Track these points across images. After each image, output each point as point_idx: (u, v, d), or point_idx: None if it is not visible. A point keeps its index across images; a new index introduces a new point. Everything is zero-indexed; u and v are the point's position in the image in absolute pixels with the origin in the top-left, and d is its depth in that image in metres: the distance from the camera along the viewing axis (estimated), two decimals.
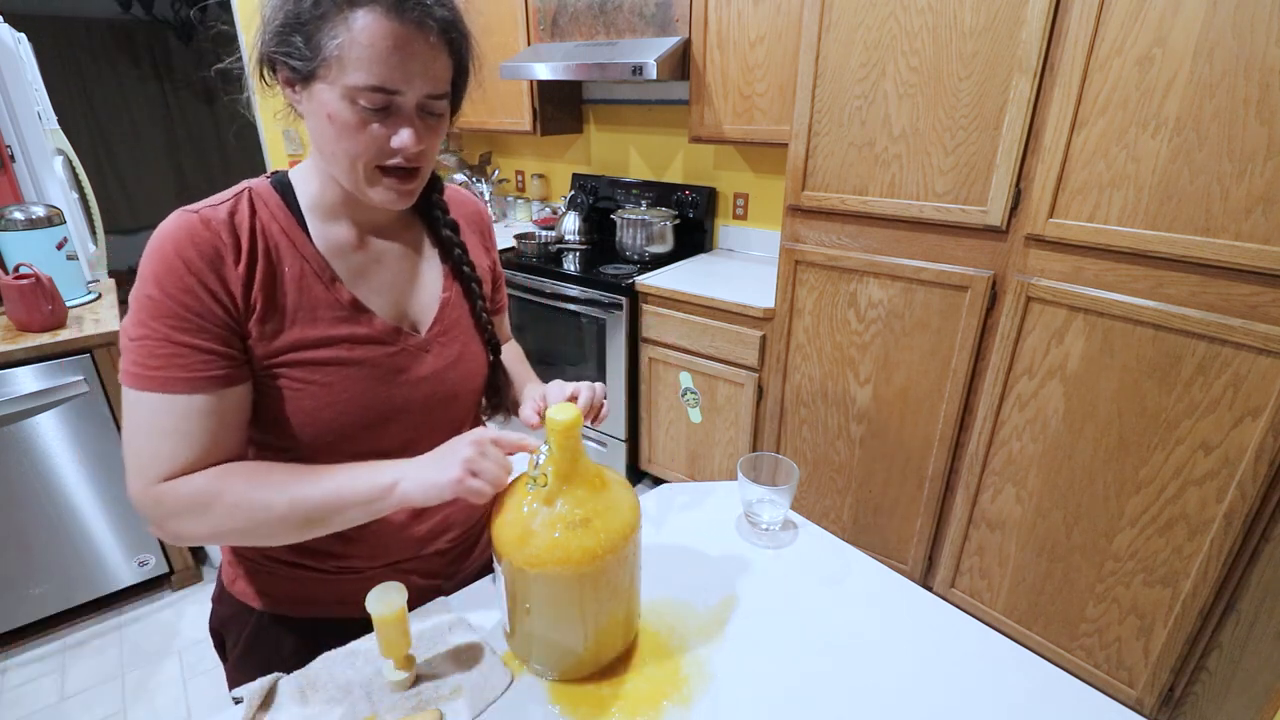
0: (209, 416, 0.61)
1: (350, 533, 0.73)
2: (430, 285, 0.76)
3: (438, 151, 0.67)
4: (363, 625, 0.73)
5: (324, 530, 0.64)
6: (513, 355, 0.95)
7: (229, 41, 0.66)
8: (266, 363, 0.64)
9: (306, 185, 0.68)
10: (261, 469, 0.64)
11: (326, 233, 0.69)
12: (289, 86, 0.62)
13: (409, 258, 0.75)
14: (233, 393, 0.63)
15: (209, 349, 0.60)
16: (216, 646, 0.85)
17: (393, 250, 0.74)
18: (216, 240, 0.61)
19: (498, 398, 0.85)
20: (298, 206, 0.68)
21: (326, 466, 0.64)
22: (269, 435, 0.68)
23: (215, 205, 0.63)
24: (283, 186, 0.68)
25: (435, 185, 0.78)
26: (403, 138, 0.60)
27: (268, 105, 0.68)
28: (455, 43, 0.62)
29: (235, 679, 0.80)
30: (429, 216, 0.78)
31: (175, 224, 0.60)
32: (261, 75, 0.63)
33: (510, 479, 0.63)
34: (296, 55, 0.58)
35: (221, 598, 0.82)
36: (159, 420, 0.60)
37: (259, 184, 0.67)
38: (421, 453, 0.73)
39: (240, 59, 0.65)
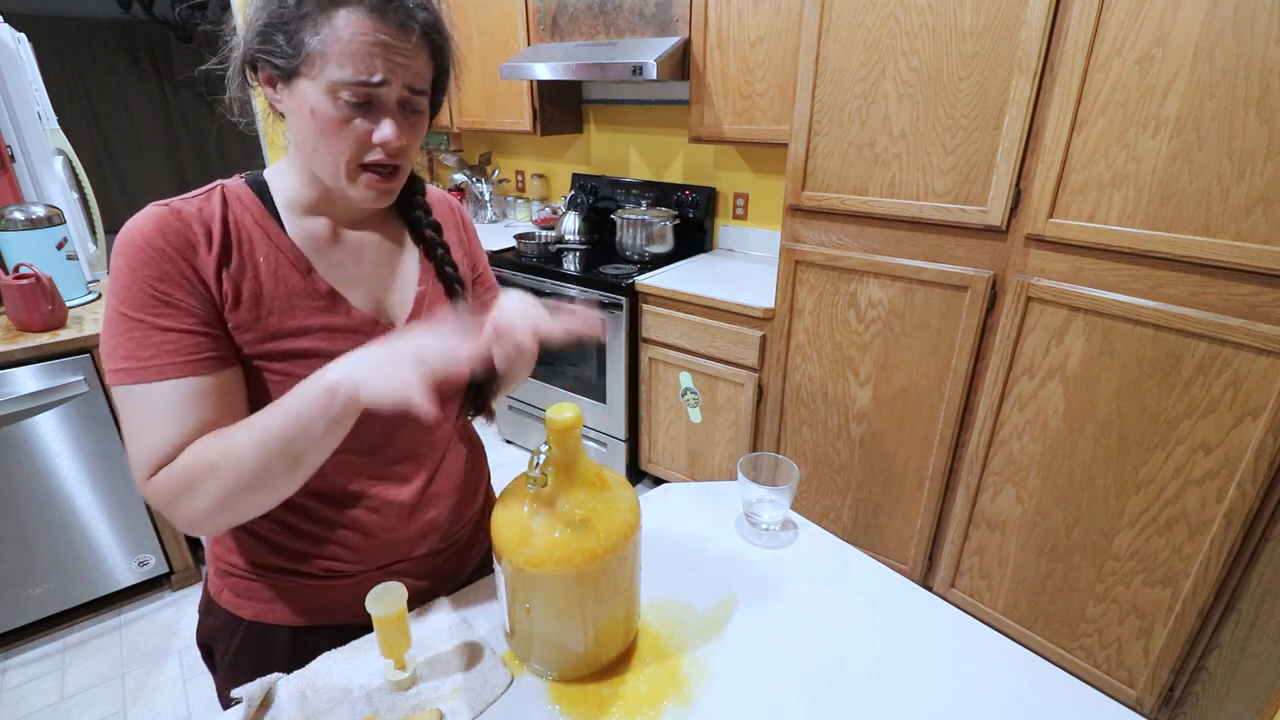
0: (207, 398, 0.60)
1: (337, 536, 0.73)
2: (408, 279, 0.76)
3: (417, 151, 0.68)
4: (352, 633, 0.73)
5: (313, 461, 0.60)
6: None
7: (223, 43, 0.66)
8: (246, 354, 0.64)
9: (283, 183, 0.69)
10: (224, 429, 0.60)
11: (302, 226, 0.69)
12: (270, 85, 0.63)
13: (386, 251, 0.75)
14: (226, 375, 0.62)
15: (196, 331, 0.60)
16: (205, 659, 0.83)
17: (369, 244, 0.74)
18: (188, 231, 0.61)
19: (480, 398, 0.84)
20: (272, 202, 0.68)
21: (276, 402, 0.60)
22: None
23: (186, 199, 0.64)
24: (257, 184, 0.68)
25: (417, 187, 0.78)
26: (384, 131, 0.61)
27: (265, 106, 0.68)
28: (436, 44, 0.63)
29: (225, 690, 0.79)
30: (410, 217, 0.78)
31: (145, 216, 0.61)
32: (244, 75, 0.64)
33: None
34: (279, 54, 0.59)
35: (209, 609, 0.80)
36: (156, 409, 0.59)
37: (231, 182, 0.68)
38: (403, 445, 0.74)
39: (226, 60, 0.65)
